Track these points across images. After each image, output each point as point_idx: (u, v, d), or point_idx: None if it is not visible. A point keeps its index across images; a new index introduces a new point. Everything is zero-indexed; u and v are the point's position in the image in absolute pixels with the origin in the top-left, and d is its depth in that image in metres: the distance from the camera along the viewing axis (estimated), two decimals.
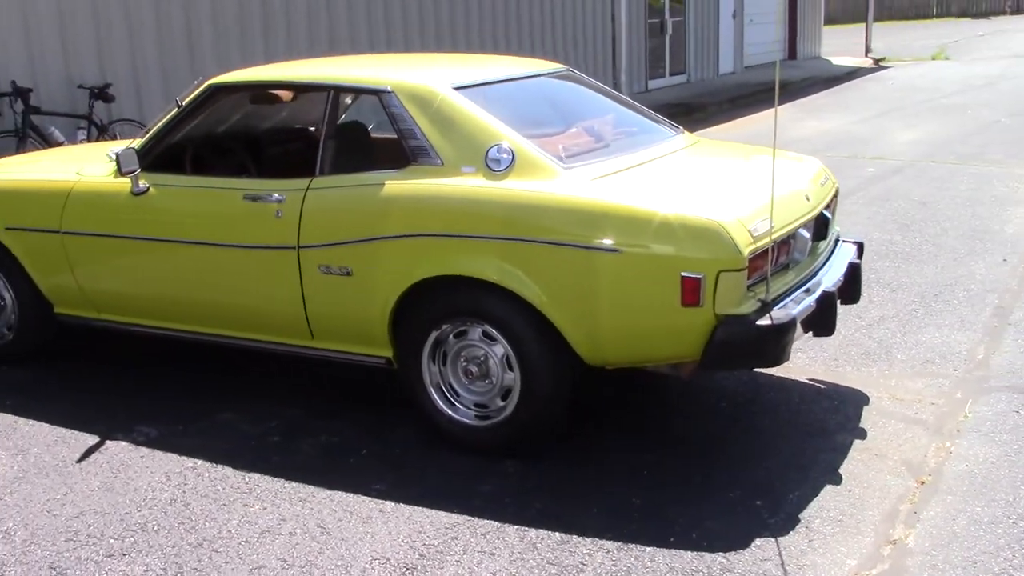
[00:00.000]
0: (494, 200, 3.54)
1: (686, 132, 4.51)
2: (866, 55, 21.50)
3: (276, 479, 3.61)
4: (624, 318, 3.42)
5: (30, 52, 7.44)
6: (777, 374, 4.40)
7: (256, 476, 3.64)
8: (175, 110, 4.25)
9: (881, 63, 20.54)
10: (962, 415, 3.98)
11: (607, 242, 3.36)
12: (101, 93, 7.72)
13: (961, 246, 6.42)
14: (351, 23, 10.10)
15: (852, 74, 18.59)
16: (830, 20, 28.26)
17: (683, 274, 3.29)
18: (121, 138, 7.71)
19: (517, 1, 12.61)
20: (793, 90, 16.54)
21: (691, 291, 3.29)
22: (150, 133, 4.30)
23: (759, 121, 12.85)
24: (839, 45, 23.83)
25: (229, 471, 3.69)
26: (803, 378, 4.40)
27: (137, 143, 4.28)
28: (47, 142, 7.38)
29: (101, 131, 7.75)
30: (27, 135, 7.28)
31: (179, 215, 4.15)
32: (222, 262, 4.05)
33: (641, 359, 3.56)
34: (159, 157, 4.29)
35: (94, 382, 4.63)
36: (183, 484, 3.61)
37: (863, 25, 23.07)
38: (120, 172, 4.08)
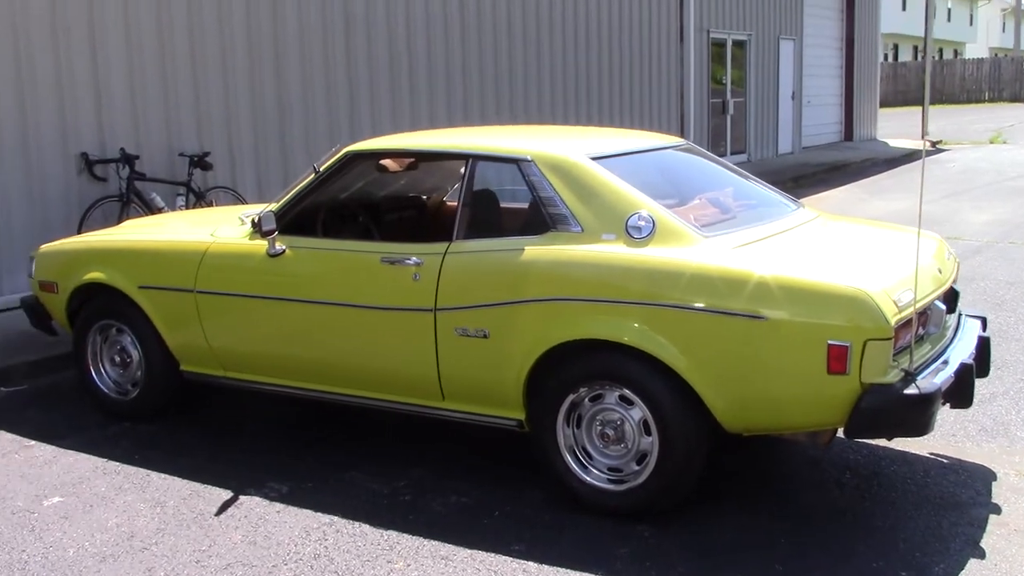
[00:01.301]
0: (637, 266, 3.62)
1: (805, 205, 4.59)
2: (922, 138, 21.58)
3: (415, 537, 3.65)
4: (767, 385, 3.46)
5: (136, 121, 7.74)
6: (898, 448, 4.40)
7: (394, 534, 3.69)
8: (312, 175, 4.41)
9: (938, 145, 20.62)
10: None
11: (751, 309, 3.42)
12: (200, 161, 7.97)
13: None
14: (430, 99, 10.40)
15: (910, 156, 18.67)
16: (882, 103, 28.45)
17: (830, 342, 3.33)
18: (217, 204, 7.94)
19: (588, 80, 12.91)
20: (853, 171, 16.65)
21: (838, 359, 3.33)
22: (287, 197, 4.45)
23: (825, 200, 12.92)
24: (893, 128, 23.96)
25: (367, 528, 3.74)
26: (924, 452, 4.38)
27: (274, 206, 4.43)
28: (148, 208, 7.62)
29: (199, 197, 7.97)
30: (131, 200, 7.52)
31: (315, 277, 4.27)
32: (356, 323, 4.15)
33: (782, 426, 3.59)
34: (294, 220, 4.43)
35: (221, 438, 4.73)
36: (323, 540, 3.66)
37: (916, 108, 23.24)
38: (260, 233, 4.23)
